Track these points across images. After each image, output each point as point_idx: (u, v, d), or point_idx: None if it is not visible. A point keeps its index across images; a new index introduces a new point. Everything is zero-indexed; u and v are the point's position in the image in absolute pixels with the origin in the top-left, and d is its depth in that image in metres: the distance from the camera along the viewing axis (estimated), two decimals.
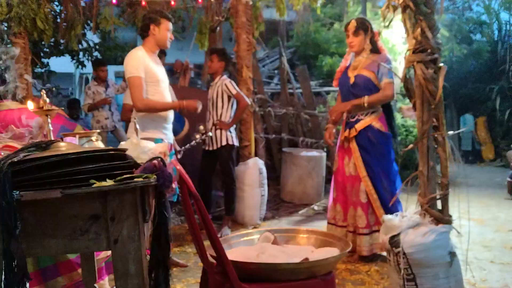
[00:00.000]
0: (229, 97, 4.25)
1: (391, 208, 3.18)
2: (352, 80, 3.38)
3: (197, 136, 4.17)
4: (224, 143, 4.23)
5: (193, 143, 4.14)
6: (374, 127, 3.31)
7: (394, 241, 2.53)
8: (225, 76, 4.38)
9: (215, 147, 4.25)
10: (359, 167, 3.31)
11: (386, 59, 3.35)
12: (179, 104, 3.25)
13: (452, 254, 2.45)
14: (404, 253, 2.45)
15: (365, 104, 3.27)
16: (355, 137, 3.33)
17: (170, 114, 3.24)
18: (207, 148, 4.31)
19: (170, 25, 3.18)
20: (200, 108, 3.32)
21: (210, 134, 4.21)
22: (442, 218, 2.51)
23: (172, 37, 3.23)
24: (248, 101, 4.38)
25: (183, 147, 3.95)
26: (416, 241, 2.42)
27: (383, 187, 3.29)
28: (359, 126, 3.32)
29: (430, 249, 2.41)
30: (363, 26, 3.35)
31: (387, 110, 3.47)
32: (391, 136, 3.40)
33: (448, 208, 2.57)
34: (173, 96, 4.61)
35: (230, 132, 4.29)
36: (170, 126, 3.27)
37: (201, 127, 4.20)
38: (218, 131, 4.23)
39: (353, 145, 3.34)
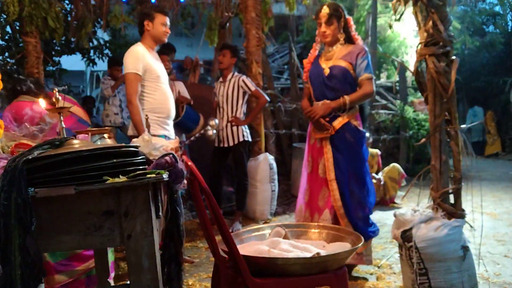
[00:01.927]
0: (244, 94, 4.26)
1: (357, 220, 2.85)
2: (326, 71, 2.92)
3: (210, 132, 4.17)
4: (241, 139, 4.25)
5: (197, 135, 4.16)
6: (351, 125, 2.90)
7: (406, 235, 2.52)
8: (238, 73, 4.38)
9: (231, 144, 4.26)
10: (328, 169, 2.89)
11: (364, 50, 2.90)
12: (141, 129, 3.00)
13: (465, 249, 2.43)
14: (416, 248, 2.44)
15: (347, 105, 2.85)
16: (330, 136, 2.90)
17: (172, 110, 3.23)
18: (221, 145, 4.31)
19: (165, 19, 3.12)
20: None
21: (214, 131, 4.20)
22: (454, 212, 2.50)
23: (168, 30, 3.17)
24: (267, 97, 4.39)
25: (188, 140, 3.97)
26: (428, 235, 2.41)
27: (350, 193, 2.87)
28: (337, 124, 2.88)
29: (443, 243, 2.40)
30: (337, 14, 2.91)
31: (363, 106, 3.07)
32: (364, 134, 3.00)
33: (461, 202, 2.55)
34: (186, 93, 4.63)
35: (245, 128, 4.31)
36: (171, 122, 3.27)
37: (212, 122, 4.20)
38: (234, 128, 4.24)
39: (326, 145, 2.91)
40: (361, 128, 2.95)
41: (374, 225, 3.00)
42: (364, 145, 2.96)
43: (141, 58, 3.02)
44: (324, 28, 2.92)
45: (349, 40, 2.97)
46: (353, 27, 3.01)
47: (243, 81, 4.24)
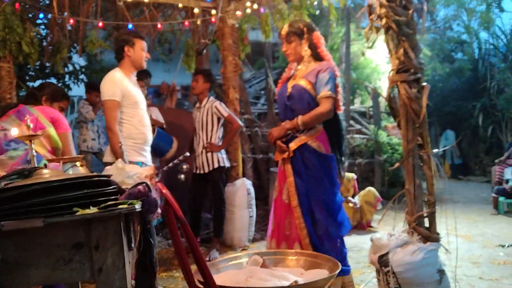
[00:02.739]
0: (218, 119, 4.26)
1: (328, 250, 2.60)
2: (289, 91, 2.79)
3: (182, 176, 4.29)
4: (216, 165, 4.21)
5: (170, 164, 4.13)
6: (310, 147, 2.71)
7: (383, 260, 2.52)
8: (213, 98, 4.39)
9: (206, 170, 4.22)
10: (291, 194, 2.72)
11: (327, 67, 2.73)
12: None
13: (441, 272, 2.44)
14: (393, 272, 2.44)
15: (300, 126, 2.69)
16: (290, 159, 2.74)
17: (150, 136, 3.20)
18: (198, 171, 4.27)
19: (144, 44, 3.13)
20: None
21: (187, 154, 4.22)
22: (430, 236, 2.52)
23: (148, 55, 3.17)
24: (240, 123, 4.39)
25: (161, 169, 3.94)
26: (405, 260, 2.42)
27: (315, 222, 2.69)
28: (293, 145, 2.72)
29: (419, 268, 2.41)
30: (296, 31, 2.78)
31: (335, 128, 2.87)
32: (332, 158, 2.76)
33: (435, 225, 2.58)
34: (160, 117, 4.61)
35: (221, 153, 4.28)
36: (149, 149, 3.23)
37: (185, 167, 4.28)
38: (209, 154, 4.21)
39: (288, 168, 2.75)
40: (323, 151, 2.73)
41: (345, 261, 2.75)
42: (330, 170, 2.74)
43: (118, 83, 2.99)
44: (284, 46, 2.84)
45: (317, 57, 2.82)
46: (322, 43, 2.85)
47: (216, 107, 4.22)
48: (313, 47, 2.81)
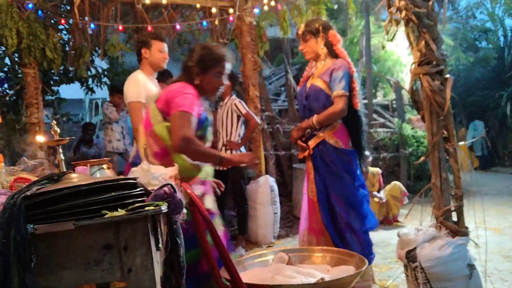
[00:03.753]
0: (238, 117, 4.28)
1: (350, 243, 2.70)
2: (306, 90, 2.92)
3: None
4: None
5: None
6: (327, 143, 2.80)
7: (410, 255, 2.49)
8: (234, 96, 4.41)
9: (225, 168, 4.25)
10: (312, 190, 2.84)
11: (340, 65, 2.80)
12: None
13: (471, 267, 2.40)
14: (421, 268, 2.41)
15: (315, 125, 2.80)
16: (311, 156, 2.86)
17: None
18: (218, 168, 4.30)
19: (162, 45, 3.13)
20: None
21: None
22: (458, 230, 2.48)
23: (167, 56, 3.18)
24: (258, 120, 4.40)
25: None
26: (433, 255, 2.38)
27: (336, 215, 2.77)
28: (311, 143, 2.84)
29: (448, 262, 2.37)
30: (312, 30, 2.86)
31: (355, 124, 2.92)
32: (351, 153, 2.83)
33: (463, 219, 2.53)
34: None
35: (240, 151, 4.29)
36: None
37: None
38: (228, 151, 4.24)
39: (309, 165, 2.88)
40: (341, 146, 2.80)
41: (370, 250, 2.82)
42: (350, 165, 2.81)
43: (142, 85, 3.04)
44: (301, 45, 2.94)
45: (333, 54, 2.89)
46: (338, 41, 2.90)
47: (235, 104, 4.26)
48: (329, 45, 2.88)
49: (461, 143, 2.60)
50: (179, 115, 2.09)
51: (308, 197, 2.92)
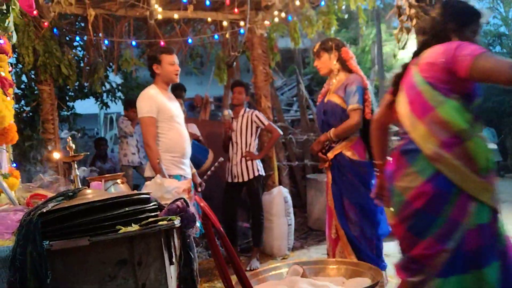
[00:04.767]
0: (257, 128, 4.32)
1: (361, 252, 2.84)
2: (324, 106, 3.12)
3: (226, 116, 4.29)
4: (256, 174, 4.26)
5: (209, 173, 4.18)
6: (344, 155, 2.98)
7: None
8: (249, 108, 4.44)
9: (246, 179, 4.26)
10: (330, 199, 3.03)
11: (353, 80, 2.97)
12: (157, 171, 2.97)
13: None
14: None
15: (333, 138, 2.99)
16: (330, 167, 3.05)
17: (188, 149, 3.25)
18: (235, 180, 4.30)
19: (172, 58, 3.15)
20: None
21: (221, 159, 4.25)
22: None
23: (178, 68, 3.19)
24: (280, 131, 4.44)
25: (204, 177, 3.97)
26: None
27: (350, 222, 2.93)
28: (330, 155, 3.04)
29: None
30: (325, 46, 3.07)
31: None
32: (367, 164, 2.96)
33: None
34: (196, 130, 4.68)
35: (259, 162, 4.33)
36: (188, 162, 3.28)
37: (226, 112, 4.32)
38: (249, 162, 4.26)
39: (329, 175, 3.07)
40: (357, 159, 2.97)
41: (381, 258, 2.95)
42: (365, 176, 2.94)
43: (153, 100, 3.06)
44: (315, 62, 3.16)
45: (347, 69, 3.06)
46: (351, 58, 3.07)
47: (257, 116, 4.31)
48: (342, 61, 3.06)
49: None
50: (485, 58, 1.65)
51: (328, 206, 3.10)
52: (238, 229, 4.57)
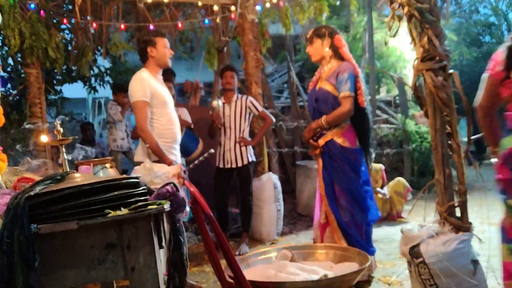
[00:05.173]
0: (249, 115, 4.31)
1: (353, 234, 2.87)
2: (316, 93, 3.14)
3: (214, 104, 4.18)
4: (249, 159, 4.28)
5: (196, 162, 4.15)
6: (335, 142, 3.02)
7: (414, 251, 2.49)
8: (240, 94, 4.42)
9: (239, 164, 4.26)
10: (321, 185, 3.06)
11: (345, 68, 2.99)
12: (168, 162, 2.91)
13: (475, 262, 2.39)
14: (425, 264, 2.41)
15: (324, 125, 3.01)
16: (321, 153, 3.09)
17: (178, 134, 3.24)
18: (228, 166, 4.29)
19: (166, 41, 3.14)
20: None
21: (212, 150, 4.20)
22: (461, 225, 2.47)
23: (172, 52, 3.19)
24: (273, 118, 4.44)
25: (190, 166, 3.96)
26: (437, 251, 2.38)
27: (340, 208, 2.97)
28: (321, 141, 3.06)
29: (452, 258, 2.37)
30: (318, 32, 3.09)
31: (362, 122, 3.12)
32: (357, 151, 3.04)
33: (467, 215, 2.52)
34: (188, 117, 4.64)
35: (250, 148, 4.34)
36: (178, 147, 3.27)
37: (214, 102, 4.21)
38: (243, 148, 4.26)
39: (319, 162, 3.10)
40: (347, 145, 3.01)
41: (370, 243, 3.03)
42: (355, 162, 3.00)
43: (146, 84, 3.03)
44: (308, 48, 3.17)
45: (339, 56, 3.07)
46: (344, 45, 3.08)
47: (251, 102, 4.30)
48: (335, 49, 3.07)
49: (464, 139, 2.59)
50: None
51: (318, 192, 3.12)
52: (229, 215, 4.58)
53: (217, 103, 4.24)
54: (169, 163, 2.82)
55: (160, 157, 2.94)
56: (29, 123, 4.27)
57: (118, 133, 5.59)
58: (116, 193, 1.18)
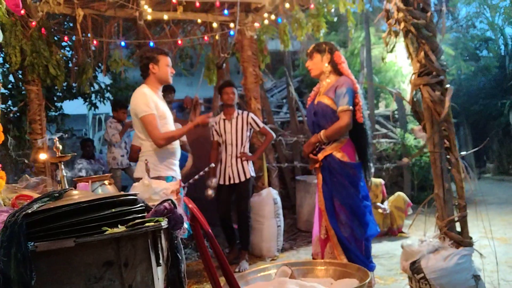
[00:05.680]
0: (250, 130, 4.34)
1: (351, 252, 2.87)
2: (315, 107, 3.15)
3: (209, 191, 4.26)
4: (249, 175, 4.29)
5: (196, 177, 4.14)
6: (334, 157, 3.01)
7: (415, 267, 2.48)
8: (241, 110, 4.44)
9: (242, 179, 4.26)
10: (320, 200, 3.05)
11: (343, 82, 3.00)
12: (192, 125, 3.17)
13: (477, 277, 2.38)
14: (426, 279, 2.39)
15: (323, 140, 3.02)
16: (320, 168, 3.08)
17: (178, 150, 3.24)
18: (230, 182, 4.28)
19: (168, 60, 3.18)
20: (211, 120, 3.24)
21: (212, 165, 4.18)
22: (462, 240, 2.46)
23: (173, 70, 3.23)
24: (273, 134, 4.47)
25: (187, 183, 3.95)
26: (438, 266, 2.37)
27: (340, 223, 2.96)
28: (320, 156, 3.06)
29: (453, 273, 2.35)
30: (319, 48, 3.13)
31: (360, 137, 3.12)
32: (356, 166, 3.03)
33: (467, 229, 2.51)
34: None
35: (250, 163, 4.36)
36: (177, 162, 3.27)
37: (212, 183, 4.28)
38: (244, 163, 4.27)
39: (319, 176, 3.09)
40: (347, 160, 3.00)
41: (370, 259, 3.00)
42: (354, 177, 2.99)
43: (150, 98, 3.05)
44: (307, 62, 3.20)
45: (338, 72, 3.10)
46: (343, 62, 3.11)
47: (253, 118, 4.34)
48: (334, 64, 3.11)
49: (462, 153, 2.60)
50: None
51: (318, 206, 3.11)
52: (235, 231, 4.52)
53: (215, 186, 4.31)
54: (196, 123, 3.12)
55: (186, 132, 3.17)
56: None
57: (117, 150, 5.59)
58: (113, 210, 1.18)
